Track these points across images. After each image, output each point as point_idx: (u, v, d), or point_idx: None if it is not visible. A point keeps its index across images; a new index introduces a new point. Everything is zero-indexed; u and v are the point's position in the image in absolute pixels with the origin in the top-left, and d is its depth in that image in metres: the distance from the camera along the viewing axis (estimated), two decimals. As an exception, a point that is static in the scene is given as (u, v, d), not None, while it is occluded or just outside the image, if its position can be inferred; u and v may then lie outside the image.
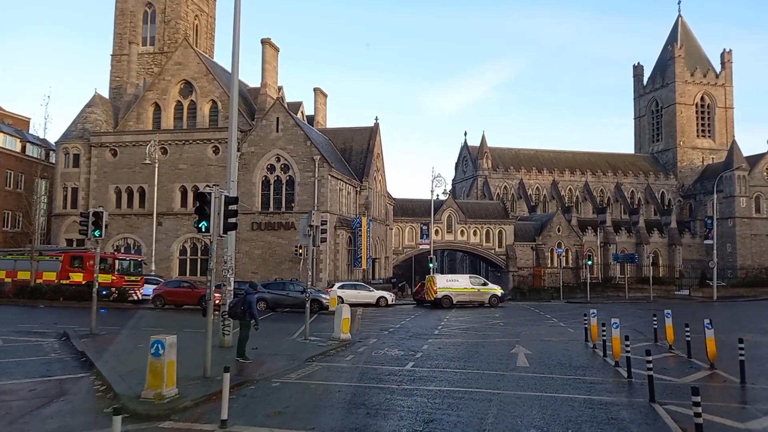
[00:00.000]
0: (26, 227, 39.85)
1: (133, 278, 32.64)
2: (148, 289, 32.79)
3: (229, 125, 15.52)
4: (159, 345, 9.32)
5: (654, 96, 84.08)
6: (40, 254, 33.94)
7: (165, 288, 31.46)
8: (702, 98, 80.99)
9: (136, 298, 31.99)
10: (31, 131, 58.54)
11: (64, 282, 31.57)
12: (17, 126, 56.62)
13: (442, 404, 9.66)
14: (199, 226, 11.34)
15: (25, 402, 9.65)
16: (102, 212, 17.83)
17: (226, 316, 15.18)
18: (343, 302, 32.10)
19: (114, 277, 31.39)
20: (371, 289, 36.46)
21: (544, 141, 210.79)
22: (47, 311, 27.34)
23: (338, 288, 34.09)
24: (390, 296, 36.49)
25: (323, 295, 30.20)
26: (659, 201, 77.23)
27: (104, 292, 29.90)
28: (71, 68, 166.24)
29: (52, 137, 55.51)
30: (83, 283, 30.85)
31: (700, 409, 7.08)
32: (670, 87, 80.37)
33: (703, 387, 10.98)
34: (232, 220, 12.11)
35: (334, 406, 9.63)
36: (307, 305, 18.44)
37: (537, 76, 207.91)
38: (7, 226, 47.72)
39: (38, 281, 32.28)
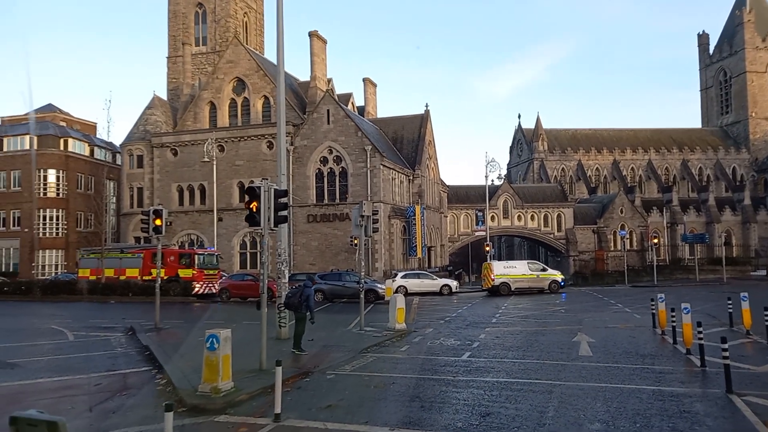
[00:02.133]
0: (97, 227, 41.92)
1: (211, 272, 33.61)
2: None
3: (277, 118, 15.57)
4: (214, 339, 9.41)
5: (721, 65, 79.21)
6: (121, 252, 35.48)
7: (230, 281, 32.35)
8: (775, 64, 75.63)
9: (215, 291, 32.71)
10: (98, 135, 61.46)
11: (147, 278, 32.43)
12: (85, 131, 59.62)
13: (499, 396, 9.32)
14: (250, 220, 11.38)
15: (89, 396, 9.99)
16: (162, 210, 18.36)
17: (282, 308, 15.31)
18: (406, 291, 32.82)
19: (195, 272, 32.44)
20: (434, 277, 36.37)
21: (602, 120, 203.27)
22: (117, 306, 28.62)
23: (401, 277, 34.31)
24: (454, 284, 36.33)
25: (379, 285, 30.21)
26: (730, 177, 72.91)
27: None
28: (131, 71, 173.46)
29: (117, 139, 58.02)
30: (165, 278, 32.03)
31: (785, 403, 6.45)
32: (740, 54, 75.43)
33: (787, 376, 10.17)
34: (283, 213, 12.09)
35: (387, 398, 9.47)
36: (362, 296, 18.38)
37: (593, 54, 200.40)
38: (80, 227, 50.33)
39: (122, 278, 33.67)
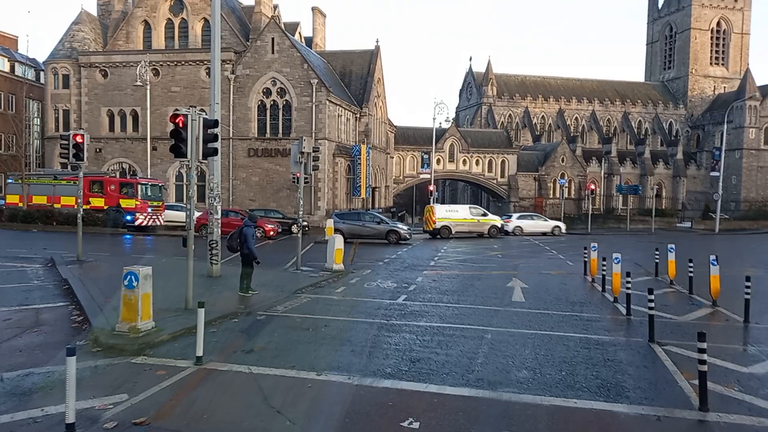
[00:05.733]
0: (18, 150, 38.97)
1: (156, 204, 32.05)
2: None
3: (211, 40, 14.35)
4: (132, 277, 8.79)
5: (669, 20, 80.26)
6: (55, 178, 33.19)
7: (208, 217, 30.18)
8: (718, 23, 77.25)
9: (159, 223, 31.74)
10: (20, 50, 56.37)
11: (85, 207, 30.64)
12: (4, 44, 54.43)
13: (431, 342, 9.24)
14: (176, 151, 10.54)
15: (-5, 333, 9.26)
16: (83, 134, 16.97)
17: (214, 244, 14.69)
18: (522, 231, 38.25)
19: (138, 202, 30.78)
20: (546, 219, 41.33)
21: (552, 68, 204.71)
22: (40, 236, 27.03)
23: (517, 218, 39.65)
24: (563, 226, 39.99)
25: (401, 226, 30.67)
26: (667, 131, 75.44)
27: (128, 218, 30.19)
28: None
29: (41, 56, 53.36)
30: (105, 208, 30.44)
31: (705, 356, 6.59)
32: (686, 11, 76.49)
33: (705, 326, 10.59)
34: (213, 144, 11.31)
35: (318, 342, 9.21)
36: (299, 234, 17.91)
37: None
38: (0, 149, 46.75)
39: (56, 206, 31.67)
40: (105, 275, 14.53)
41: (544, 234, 38.38)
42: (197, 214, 30.70)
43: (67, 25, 43.84)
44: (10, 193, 33.89)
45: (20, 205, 32.48)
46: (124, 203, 30.68)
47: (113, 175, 36.44)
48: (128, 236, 28.89)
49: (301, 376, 7.40)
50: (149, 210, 31.24)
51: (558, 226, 39.61)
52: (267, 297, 12.51)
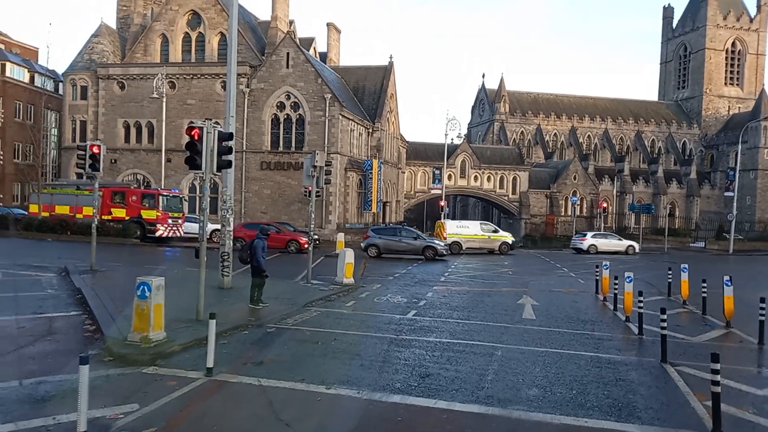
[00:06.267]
0: (35, 160, 39.54)
1: (176, 214, 32.33)
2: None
3: (228, 54, 14.58)
4: (145, 287, 8.86)
5: (683, 40, 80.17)
6: (78, 188, 33.57)
7: (244, 230, 28.36)
8: (733, 44, 77.11)
9: (179, 234, 32.14)
10: (40, 61, 57.47)
11: (106, 217, 30.51)
12: (25, 55, 55.59)
13: (441, 357, 9.21)
14: (190, 162, 10.66)
15: (9, 341, 9.35)
16: (100, 145, 17.23)
17: (226, 256, 14.77)
18: (596, 249, 38.35)
19: (159, 213, 30.99)
20: (620, 238, 41.40)
21: (565, 86, 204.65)
22: (54, 245, 27.32)
23: (591, 237, 40.21)
24: (637, 246, 40.10)
25: (437, 242, 30.32)
26: (680, 151, 75.02)
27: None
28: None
29: (60, 67, 54.33)
30: (126, 219, 30.79)
31: (718, 377, 6.51)
32: (701, 31, 76.42)
33: (718, 347, 10.46)
34: (228, 157, 11.42)
35: (327, 355, 9.22)
36: (310, 248, 17.98)
37: (562, 17, 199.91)
38: (18, 158, 47.46)
39: (78, 216, 31.81)
40: (118, 285, 14.64)
41: (617, 253, 38.03)
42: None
43: (87, 37, 44.58)
44: (32, 203, 34.34)
45: (44, 214, 32.74)
46: (146, 214, 31.00)
47: (135, 186, 36.78)
48: (159, 247, 29.14)
49: (311, 389, 7.41)
50: (170, 221, 31.55)
51: (632, 246, 39.44)
52: (277, 309, 12.55)
